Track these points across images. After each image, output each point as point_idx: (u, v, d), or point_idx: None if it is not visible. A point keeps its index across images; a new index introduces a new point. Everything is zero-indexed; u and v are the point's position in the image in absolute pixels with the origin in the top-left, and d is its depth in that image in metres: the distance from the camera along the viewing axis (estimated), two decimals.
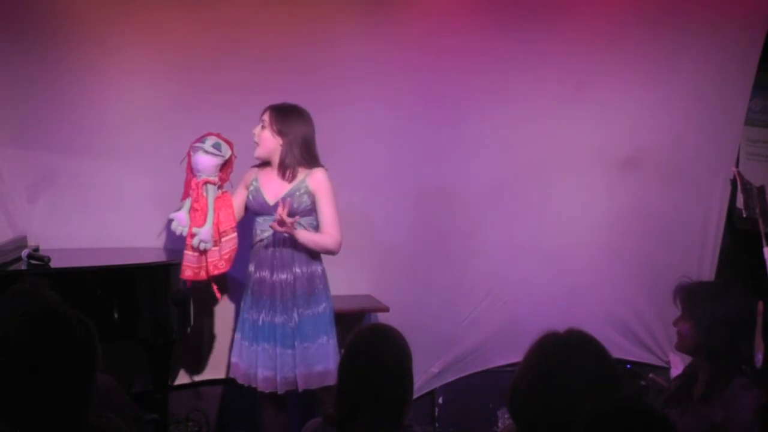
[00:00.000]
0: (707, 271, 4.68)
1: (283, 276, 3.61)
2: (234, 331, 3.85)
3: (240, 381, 3.71)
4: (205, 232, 3.62)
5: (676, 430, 1.73)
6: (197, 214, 3.64)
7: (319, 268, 3.68)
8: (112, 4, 4.01)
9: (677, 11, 4.49)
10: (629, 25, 4.47)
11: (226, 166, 3.73)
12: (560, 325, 2.11)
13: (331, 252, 3.67)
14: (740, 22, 4.55)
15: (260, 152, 3.67)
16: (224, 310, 4.20)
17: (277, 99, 3.69)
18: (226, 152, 3.70)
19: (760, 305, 2.78)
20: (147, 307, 3.61)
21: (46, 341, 1.81)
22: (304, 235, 3.58)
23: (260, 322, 3.63)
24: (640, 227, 4.61)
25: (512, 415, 2.09)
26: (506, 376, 2.33)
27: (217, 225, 3.65)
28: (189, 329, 3.92)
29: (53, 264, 3.54)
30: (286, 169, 3.62)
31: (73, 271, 3.53)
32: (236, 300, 4.01)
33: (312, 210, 3.63)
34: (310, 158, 3.65)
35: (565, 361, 2.00)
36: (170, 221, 3.70)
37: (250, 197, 3.69)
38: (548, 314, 4.28)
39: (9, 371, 1.79)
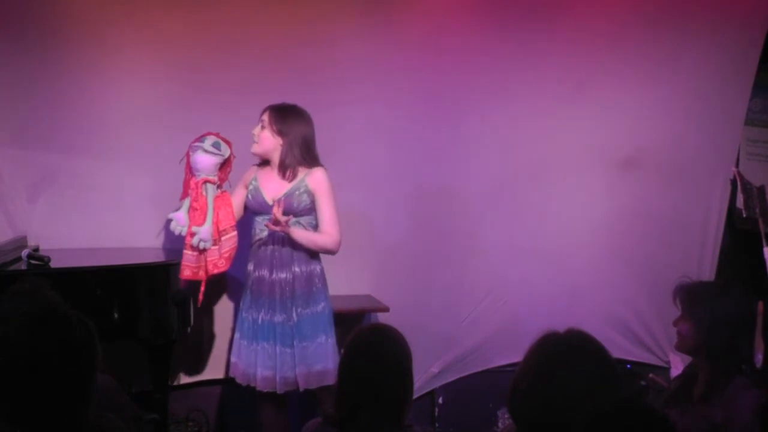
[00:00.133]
0: (707, 271, 4.68)
1: (282, 275, 3.61)
2: (233, 330, 3.85)
3: (239, 380, 3.71)
4: (204, 231, 3.62)
5: (676, 430, 1.73)
6: (197, 214, 3.63)
7: (318, 268, 3.68)
8: (112, 4, 4.01)
9: (677, 11, 4.49)
10: (629, 25, 4.47)
11: (225, 165, 3.73)
12: (560, 325, 2.11)
13: (329, 251, 3.67)
14: (740, 22, 4.55)
15: (257, 149, 3.66)
16: (224, 309, 4.20)
17: (277, 99, 3.69)
18: (226, 151, 3.70)
19: (760, 305, 2.78)
20: (147, 307, 3.61)
21: (46, 341, 1.80)
22: (300, 234, 3.58)
23: (259, 321, 3.63)
24: (640, 227, 4.61)
25: (512, 415, 2.09)
26: (506, 376, 2.33)
27: (216, 224, 3.65)
28: (189, 329, 3.92)
29: (53, 264, 3.54)
30: (286, 169, 3.62)
31: (73, 271, 3.53)
32: (236, 299, 4.01)
33: (312, 209, 3.63)
34: (310, 158, 3.65)
35: (565, 361, 2.00)
36: (169, 221, 3.70)
37: (250, 196, 3.69)
38: (548, 314, 4.28)
39: (9, 371, 1.79)
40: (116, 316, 3.51)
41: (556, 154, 4.50)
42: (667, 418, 1.75)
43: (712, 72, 4.58)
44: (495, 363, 4.51)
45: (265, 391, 3.64)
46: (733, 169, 4.69)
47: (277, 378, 3.61)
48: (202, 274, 3.69)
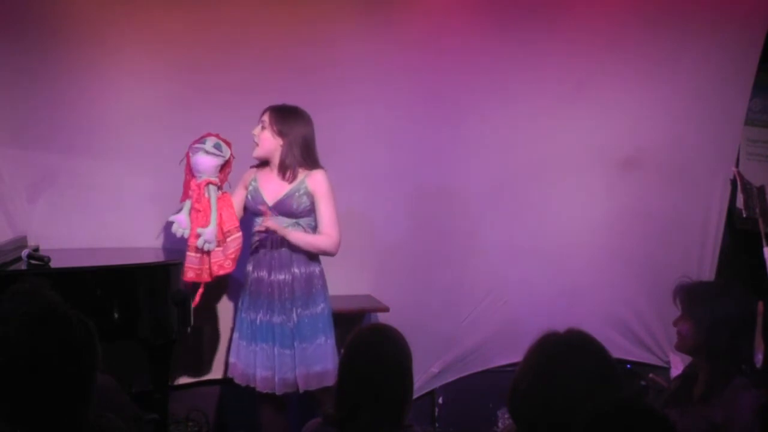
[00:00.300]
0: (707, 271, 4.68)
1: (281, 276, 3.61)
2: (233, 330, 3.85)
3: (238, 381, 3.71)
4: (209, 232, 3.61)
5: (676, 430, 1.73)
6: (199, 215, 3.63)
7: (318, 269, 3.68)
8: (112, 4, 4.01)
9: (677, 11, 4.50)
10: (629, 25, 4.48)
11: (225, 166, 3.73)
12: (560, 325, 2.11)
13: (327, 253, 3.67)
14: (740, 22, 4.55)
15: (259, 152, 3.67)
16: (224, 310, 4.20)
17: (277, 99, 3.69)
18: (226, 152, 3.70)
19: (760, 305, 2.78)
20: (147, 307, 3.60)
21: (46, 341, 1.80)
22: (297, 237, 3.59)
23: (258, 321, 3.63)
24: (640, 227, 4.61)
25: (512, 415, 2.09)
26: (506, 376, 2.32)
27: (220, 225, 3.65)
28: (189, 329, 3.92)
29: (53, 264, 3.54)
30: (286, 170, 3.62)
31: (73, 271, 3.52)
32: (236, 300, 4.01)
33: (311, 211, 3.64)
34: (310, 159, 3.65)
35: (565, 361, 2.00)
36: (170, 223, 3.69)
37: (249, 197, 3.69)
38: (548, 314, 4.28)
39: (9, 371, 1.79)
40: (116, 316, 3.51)
41: (556, 154, 4.50)
42: (667, 418, 1.75)
43: (712, 72, 4.58)
44: (495, 363, 4.51)
45: (264, 392, 3.64)
46: (733, 169, 4.69)
47: (276, 379, 3.61)
48: (205, 276, 3.69)
